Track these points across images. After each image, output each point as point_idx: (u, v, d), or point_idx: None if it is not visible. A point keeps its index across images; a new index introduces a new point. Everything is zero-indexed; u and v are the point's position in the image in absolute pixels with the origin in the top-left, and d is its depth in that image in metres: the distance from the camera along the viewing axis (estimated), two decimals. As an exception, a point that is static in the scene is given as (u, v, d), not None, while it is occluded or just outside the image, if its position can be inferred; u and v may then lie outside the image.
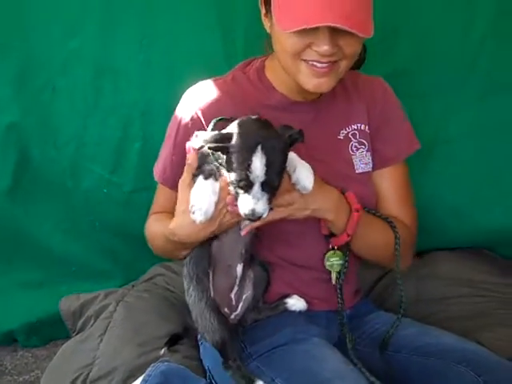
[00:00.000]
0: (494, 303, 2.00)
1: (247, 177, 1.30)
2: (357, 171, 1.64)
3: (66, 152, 2.20)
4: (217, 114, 1.50)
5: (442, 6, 2.07)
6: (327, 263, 1.61)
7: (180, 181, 1.48)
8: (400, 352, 1.57)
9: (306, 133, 1.41)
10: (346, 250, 1.60)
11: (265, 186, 1.31)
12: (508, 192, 2.18)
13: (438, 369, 1.50)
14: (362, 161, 1.65)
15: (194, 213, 1.37)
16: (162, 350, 1.76)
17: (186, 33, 2.08)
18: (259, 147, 1.30)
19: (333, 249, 1.60)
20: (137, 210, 2.18)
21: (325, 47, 1.40)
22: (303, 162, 1.43)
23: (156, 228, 1.65)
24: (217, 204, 1.40)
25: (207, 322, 1.50)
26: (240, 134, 1.33)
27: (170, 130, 1.67)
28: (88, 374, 1.76)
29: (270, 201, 1.34)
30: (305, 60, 1.45)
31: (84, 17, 2.09)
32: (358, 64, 1.64)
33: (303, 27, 1.37)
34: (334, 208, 1.51)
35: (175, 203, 1.50)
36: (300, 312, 1.64)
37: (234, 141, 1.33)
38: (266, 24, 1.54)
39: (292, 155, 1.41)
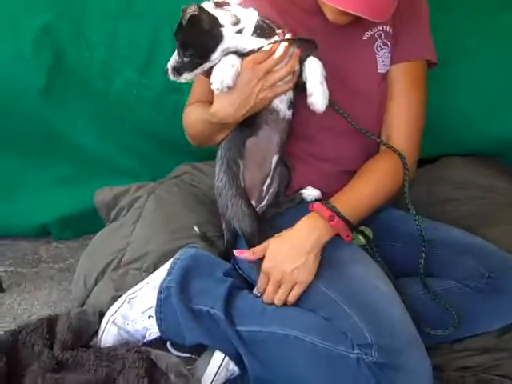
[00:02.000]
0: (500, 204, 2.10)
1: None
2: (379, 71, 1.71)
3: (98, 53, 2.27)
4: (254, 6, 1.57)
5: None
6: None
7: None
8: (410, 244, 1.70)
9: (332, 35, 1.55)
10: (363, 233, 1.67)
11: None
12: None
13: (446, 258, 1.66)
14: (384, 61, 1.70)
15: (212, 83, 1.49)
16: (196, 228, 1.90)
17: None
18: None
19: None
20: (164, 111, 2.34)
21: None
22: (324, 83, 1.52)
23: (195, 115, 1.73)
24: (247, 82, 1.51)
25: (238, 208, 1.62)
26: None
27: None
28: (122, 257, 1.93)
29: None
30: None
31: None
32: None
33: (337, 7, 1.47)
34: (318, 242, 1.53)
35: (210, 92, 1.59)
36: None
37: None
38: None
39: (316, 73, 1.53)
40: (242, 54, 1.51)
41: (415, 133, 1.71)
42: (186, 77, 1.55)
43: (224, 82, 1.48)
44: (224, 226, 1.76)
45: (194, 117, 1.75)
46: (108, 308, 1.74)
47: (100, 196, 2.28)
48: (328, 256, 1.55)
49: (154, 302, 1.69)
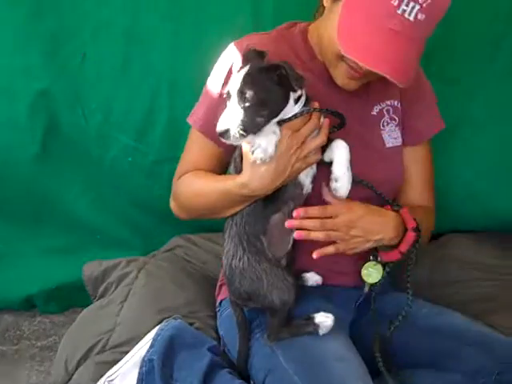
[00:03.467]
0: (508, 287, 2.03)
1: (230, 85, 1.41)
2: (387, 145, 1.68)
3: (94, 120, 2.25)
4: None
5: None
6: (364, 271, 1.65)
7: None
8: (412, 331, 1.61)
9: (342, 106, 1.49)
10: (386, 264, 1.63)
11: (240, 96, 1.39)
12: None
13: (450, 349, 1.56)
14: (391, 135, 1.69)
15: (253, 152, 1.39)
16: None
17: (214, 3, 2.11)
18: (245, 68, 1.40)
19: (374, 260, 1.64)
20: (160, 179, 2.27)
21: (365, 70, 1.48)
22: (349, 170, 1.48)
23: (202, 185, 1.62)
24: (286, 150, 1.43)
25: (279, 280, 1.51)
26: None
27: (215, 79, 1.65)
28: (108, 339, 1.82)
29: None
30: (345, 61, 1.50)
31: (114, -14, 2.13)
32: None
33: (359, 63, 1.43)
34: (396, 235, 1.56)
35: (212, 156, 1.56)
36: (317, 287, 1.67)
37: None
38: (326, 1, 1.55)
39: (343, 157, 1.48)
40: (278, 121, 1.44)
41: (431, 191, 1.79)
42: (248, 140, 1.41)
43: (268, 151, 1.39)
44: (234, 305, 1.62)
45: (199, 187, 1.63)
46: (88, 395, 1.63)
47: (88, 270, 2.19)
48: (311, 351, 1.48)
49: (135, 382, 1.61)
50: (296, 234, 1.51)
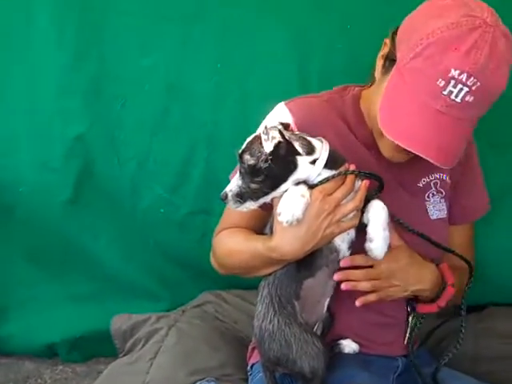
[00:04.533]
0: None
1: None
2: (432, 217, 1.66)
3: (128, 168, 2.24)
4: (311, 130, 1.49)
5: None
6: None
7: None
8: None
9: (388, 176, 1.47)
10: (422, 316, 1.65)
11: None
12: None
13: None
14: (435, 207, 1.66)
15: (280, 214, 1.37)
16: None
17: (261, 60, 2.12)
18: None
19: (415, 311, 1.64)
20: (192, 232, 2.27)
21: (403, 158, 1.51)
22: (386, 230, 1.44)
23: (235, 244, 1.62)
24: (316, 215, 1.40)
25: (309, 345, 1.47)
26: None
27: None
28: (137, 399, 1.79)
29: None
30: (396, 148, 1.46)
31: (161, 35, 2.14)
32: None
33: (403, 147, 1.39)
34: (432, 287, 1.57)
35: (251, 217, 1.55)
36: (355, 355, 1.63)
37: None
38: (379, 69, 1.53)
39: (379, 218, 1.44)
40: (309, 185, 1.41)
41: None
42: (248, 206, 1.42)
43: (295, 214, 1.36)
44: (265, 369, 1.58)
45: (233, 245, 1.63)
46: None
47: (117, 323, 2.18)
48: None
49: None
50: (343, 286, 1.49)
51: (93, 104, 2.20)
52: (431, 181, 1.65)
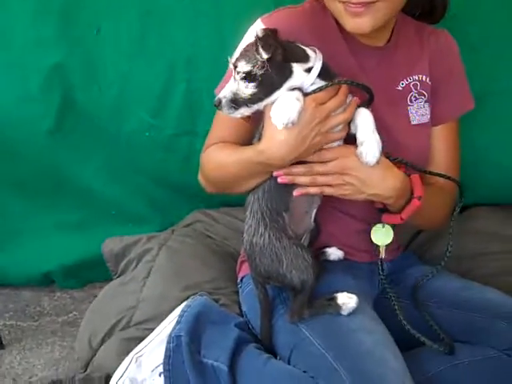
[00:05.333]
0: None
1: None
2: (412, 123, 1.66)
3: (110, 94, 2.23)
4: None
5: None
6: (374, 236, 1.65)
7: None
8: (443, 305, 1.63)
9: (366, 80, 1.47)
10: (394, 226, 1.64)
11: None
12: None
13: (480, 324, 1.56)
14: (418, 112, 1.67)
15: (275, 117, 1.37)
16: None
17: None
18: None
19: (381, 223, 1.63)
20: (177, 154, 2.29)
21: None
22: (376, 135, 1.44)
23: (223, 156, 1.62)
24: (307, 122, 1.40)
25: (299, 259, 1.49)
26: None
27: None
28: (131, 316, 1.86)
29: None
30: (340, 1, 1.47)
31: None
32: (433, 18, 1.70)
33: None
34: (395, 194, 1.52)
35: (238, 130, 1.55)
36: (340, 262, 1.68)
37: None
38: None
39: (367, 122, 1.44)
40: (302, 93, 1.41)
41: (457, 169, 1.77)
42: (243, 112, 1.43)
43: (291, 117, 1.36)
44: (255, 282, 1.61)
45: (221, 158, 1.63)
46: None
47: (109, 246, 2.21)
48: (337, 324, 1.48)
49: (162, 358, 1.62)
50: (280, 179, 1.48)
51: (67, 33, 2.16)
52: (410, 83, 1.66)
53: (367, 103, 1.49)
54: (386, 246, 1.65)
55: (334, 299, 1.51)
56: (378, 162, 1.45)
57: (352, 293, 1.51)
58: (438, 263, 1.70)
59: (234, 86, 1.41)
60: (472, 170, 2.04)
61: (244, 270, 1.77)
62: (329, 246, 1.69)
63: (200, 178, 1.74)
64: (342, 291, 1.52)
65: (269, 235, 1.50)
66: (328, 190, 1.50)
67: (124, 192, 2.41)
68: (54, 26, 2.16)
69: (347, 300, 1.50)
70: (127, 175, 2.38)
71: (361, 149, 1.44)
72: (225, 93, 1.42)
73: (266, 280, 1.57)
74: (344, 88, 1.44)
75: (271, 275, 1.53)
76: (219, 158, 1.64)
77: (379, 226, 1.64)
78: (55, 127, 2.26)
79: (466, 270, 1.95)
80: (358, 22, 1.48)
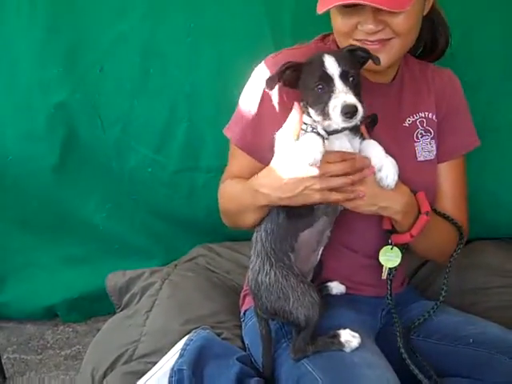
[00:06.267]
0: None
1: (324, 73, 1.36)
2: (418, 159, 1.67)
3: (112, 132, 2.28)
4: None
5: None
6: (382, 257, 1.63)
7: (279, 136, 1.50)
8: (444, 340, 1.63)
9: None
10: (403, 247, 1.63)
11: (343, 78, 1.36)
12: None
13: (483, 359, 1.56)
14: (424, 148, 1.68)
15: (301, 155, 1.36)
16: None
17: (233, 17, 2.14)
18: (326, 55, 1.38)
19: (390, 244, 1.62)
20: (180, 189, 2.32)
21: (369, 26, 1.47)
22: (391, 159, 1.46)
23: (237, 188, 1.64)
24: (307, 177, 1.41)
25: (306, 296, 1.48)
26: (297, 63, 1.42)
27: (251, 95, 1.63)
28: (134, 350, 1.85)
29: (356, 95, 1.36)
30: (356, 39, 1.51)
31: (133, 0, 2.16)
32: (434, 56, 1.73)
33: (327, 8, 1.45)
34: (403, 209, 1.52)
35: (252, 170, 1.57)
36: (342, 296, 1.68)
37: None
38: None
39: (379, 150, 1.46)
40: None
41: (464, 205, 1.76)
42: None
43: (317, 157, 1.36)
44: (259, 318, 1.60)
45: (232, 191, 1.67)
46: (119, 405, 1.67)
47: (112, 280, 2.23)
48: (340, 358, 1.47)
49: (165, 390, 1.64)
50: None
51: (71, 72, 2.23)
52: (416, 119, 1.67)
53: (371, 126, 1.51)
54: (394, 269, 1.64)
55: (336, 337, 1.50)
56: None
57: (354, 328, 1.51)
58: (437, 299, 1.68)
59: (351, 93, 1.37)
60: (473, 205, 2.04)
61: (247, 304, 1.78)
62: (331, 281, 1.69)
63: (220, 209, 1.76)
64: (345, 326, 1.52)
65: (275, 273, 1.51)
66: (338, 196, 1.46)
67: (127, 227, 2.44)
68: (58, 66, 2.22)
69: (350, 338, 1.49)
70: (130, 210, 2.41)
71: (380, 174, 1.45)
72: (355, 102, 1.36)
73: (271, 317, 1.58)
74: (361, 159, 1.44)
75: (277, 312, 1.53)
76: (229, 192, 1.68)
77: (388, 247, 1.62)
78: (59, 164, 2.31)
79: (469, 304, 1.95)
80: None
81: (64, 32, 2.20)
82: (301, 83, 1.43)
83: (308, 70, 1.41)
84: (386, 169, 1.45)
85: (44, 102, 2.25)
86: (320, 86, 1.37)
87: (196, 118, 2.23)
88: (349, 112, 1.34)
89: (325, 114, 1.37)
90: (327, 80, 1.36)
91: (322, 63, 1.37)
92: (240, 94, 1.66)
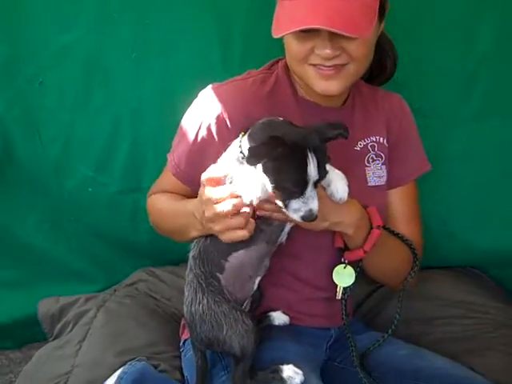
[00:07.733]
0: (484, 325, 1.99)
1: (303, 180, 1.30)
2: (369, 184, 1.66)
3: (52, 149, 2.19)
4: (243, 117, 1.50)
5: (443, 24, 2.07)
6: (336, 277, 1.59)
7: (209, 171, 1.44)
8: (390, 374, 1.58)
9: None
10: (356, 266, 1.59)
11: (315, 184, 1.33)
12: (501, 214, 2.21)
13: None
14: (375, 173, 1.67)
15: (242, 192, 1.34)
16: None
17: (180, 33, 2.07)
18: (307, 150, 1.30)
19: (344, 263, 1.59)
20: (121, 211, 2.25)
21: (326, 50, 1.44)
22: (338, 171, 1.44)
23: (169, 204, 1.64)
24: (199, 201, 1.41)
25: (239, 324, 1.44)
26: (284, 143, 1.31)
27: (190, 125, 1.61)
28: (65, 382, 1.75)
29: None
30: (311, 64, 1.49)
31: (78, 12, 2.07)
32: (382, 79, 1.72)
33: (285, 33, 1.42)
34: (355, 223, 1.50)
35: (185, 192, 1.60)
36: (286, 327, 1.63)
37: (279, 150, 1.29)
38: None
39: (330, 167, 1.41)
40: None
41: (418, 231, 1.75)
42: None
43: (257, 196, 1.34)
44: (195, 349, 1.56)
45: (164, 207, 1.67)
46: None
47: (44, 307, 2.14)
48: None
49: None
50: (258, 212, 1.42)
51: (8, 85, 2.12)
52: (368, 143, 1.66)
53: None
54: (349, 288, 1.60)
55: (278, 372, 1.45)
56: None
57: (298, 362, 1.47)
58: (388, 329, 1.65)
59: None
60: (425, 233, 2.03)
61: (186, 333, 1.71)
62: (273, 310, 1.64)
63: (150, 220, 1.76)
64: (288, 360, 1.47)
65: (207, 300, 1.47)
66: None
67: (66, 249, 2.35)
68: (-7, 78, 2.13)
69: (293, 374, 1.44)
70: (69, 232, 2.32)
71: (330, 189, 1.43)
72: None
73: (207, 347, 1.53)
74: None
75: (212, 342, 1.49)
76: (160, 207, 1.69)
77: (341, 266, 1.59)
78: (-7, 181, 2.21)
79: (417, 334, 1.91)
80: (330, 84, 1.50)
81: (1, 41, 2.08)
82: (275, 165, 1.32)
83: (291, 160, 1.31)
84: (336, 183, 1.43)
85: (-23, 115, 2.15)
86: (295, 189, 1.31)
87: (139, 137, 2.15)
88: (307, 218, 1.32)
89: (283, 200, 1.33)
90: (303, 185, 1.31)
91: (305, 165, 1.30)
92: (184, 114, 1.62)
